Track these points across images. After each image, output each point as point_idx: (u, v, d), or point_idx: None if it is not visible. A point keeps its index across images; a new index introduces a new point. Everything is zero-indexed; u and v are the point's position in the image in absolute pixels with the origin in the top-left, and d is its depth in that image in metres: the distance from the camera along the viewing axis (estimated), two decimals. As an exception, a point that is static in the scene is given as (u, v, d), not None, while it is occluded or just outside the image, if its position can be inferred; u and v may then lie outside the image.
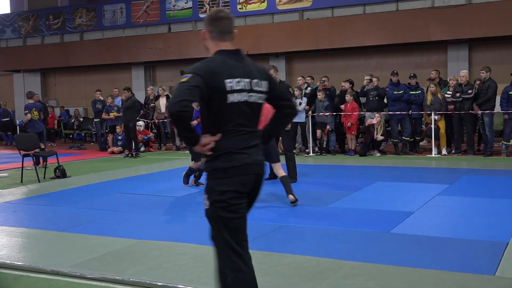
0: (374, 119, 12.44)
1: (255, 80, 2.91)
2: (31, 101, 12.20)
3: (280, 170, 7.21)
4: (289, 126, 8.95)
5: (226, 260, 2.84)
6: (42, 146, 11.87)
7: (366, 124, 12.64)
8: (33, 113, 11.84)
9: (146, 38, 19.73)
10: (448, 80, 13.06)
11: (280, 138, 9.35)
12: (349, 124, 12.65)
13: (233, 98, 2.81)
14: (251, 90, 2.89)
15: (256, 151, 2.92)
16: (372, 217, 6.15)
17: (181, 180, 8.76)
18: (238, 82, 2.83)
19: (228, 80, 2.80)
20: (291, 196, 6.96)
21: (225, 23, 2.93)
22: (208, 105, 2.82)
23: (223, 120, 2.82)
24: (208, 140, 2.81)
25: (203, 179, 8.42)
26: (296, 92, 12.46)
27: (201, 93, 2.74)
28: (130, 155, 13.69)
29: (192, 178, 8.78)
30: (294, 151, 9.58)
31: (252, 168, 2.87)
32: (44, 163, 11.04)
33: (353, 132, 12.85)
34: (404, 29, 15.78)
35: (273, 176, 9.11)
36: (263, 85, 2.96)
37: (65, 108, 21.38)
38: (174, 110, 2.66)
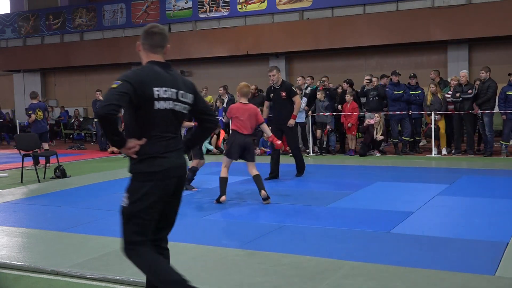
0: (373, 119, 12.45)
1: (181, 92, 3.15)
2: (35, 101, 12.24)
3: (254, 169, 7.20)
4: (293, 123, 9.05)
5: (129, 248, 3.08)
6: (46, 147, 11.90)
7: (365, 124, 12.64)
8: (37, 113, 11.91)
9: (146, 38, 19.71)
10: (450, 80, 13.05)
11: (285, 137, 9.48)
12: (349, 124, 12.66)
13: (159, 105, 3.04)
14: (177, 100, 3.13)
15: (177, 155, 3.15)
16: (372, 217, 6.15)
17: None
18: (166, 91, 3.07)
19: (156, 88, 3.03)
20: (263, 192, 7.05)
21: (157, 38, 3.20)
22: (135, 110, 3.03)
23: (149, 125, 3.05)
24: (133, 144, 3.01)
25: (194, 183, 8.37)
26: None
27: (130, 99, 2.95)
28: None
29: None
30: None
31: (173, 171, 3.09)
32: (46, 164, 11.04)
33: (353, 132, 12.86)
34: (404, 29, 15.78)
35: (274, 175, 9.14)
36: (189, 98, 3.21)
37: (65, 108, 21.39)
38: (102, 113, 2.87)
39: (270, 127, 8.77)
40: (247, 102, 7.30)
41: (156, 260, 3.09)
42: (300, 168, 9.44)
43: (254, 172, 7.16)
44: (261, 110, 13.58)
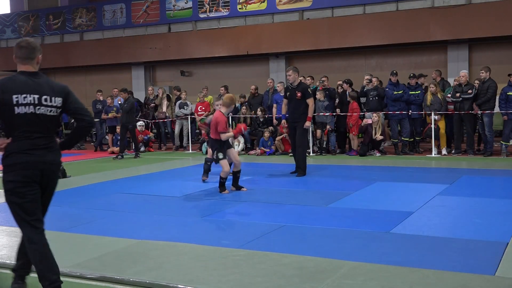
0: (371, 119, 12.44)
1: (45, 96, 3.62)
2: None
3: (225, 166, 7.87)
4: (308, 125, 9.45)
5: (23, 233, 3.68)
6: None
7: (363, 124, 12.62)
8: None
9: (146, 38, 19.73)
10: (453, 80, 13.05)
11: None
12: (350, 124, 12.67)
13: (19, 110, 3.54)
14: (39, 104, 3.59)
15: (43, 152, 3.63)
16: (372, 217, 6.15)
17: (180, 180, 8.75)
18: (25, 97, 3.55)
19: (15, 96, 3.53)
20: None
21: (23, 51, 3.71)
22: (1, 115, 3.58)
23: (13, 127, 3.58)
24: (1, 142, 3.59)
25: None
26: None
27: None
28: (120, 156, 13.38)
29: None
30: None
31: (34, 164, 3.58)
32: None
33: (353, 133, 12.87)
34: (404, 29, 15.78)
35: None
36: (56, 101, 3.68)
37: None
38: None
39: (287, 124, 9.83)
40: (224, 112, 7.88)
41: (33, 245, 3.65)
42: (301, 168, 9.50)
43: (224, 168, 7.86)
44: (262, 110, 13.78)
